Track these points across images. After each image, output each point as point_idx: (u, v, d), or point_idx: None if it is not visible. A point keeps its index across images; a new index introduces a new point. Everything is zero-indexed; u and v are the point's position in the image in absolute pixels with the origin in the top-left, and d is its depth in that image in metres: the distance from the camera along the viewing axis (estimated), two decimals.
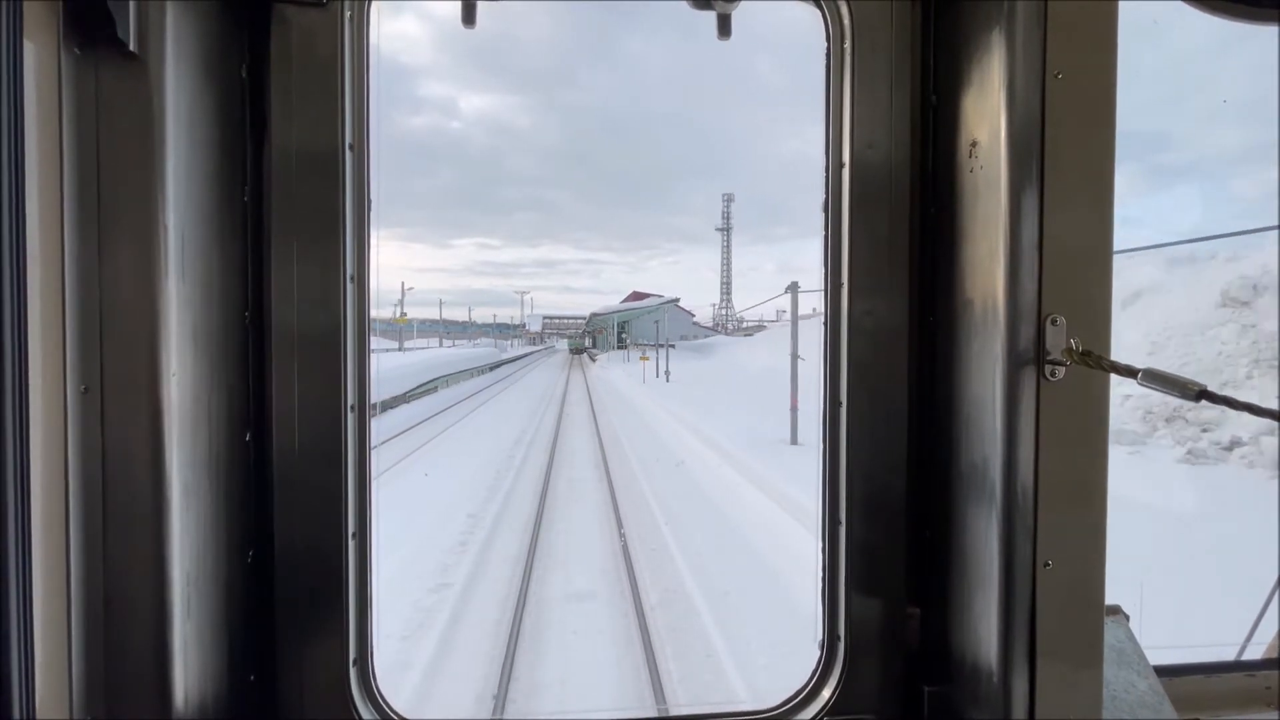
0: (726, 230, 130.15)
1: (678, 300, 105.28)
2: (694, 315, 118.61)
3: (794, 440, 16.85)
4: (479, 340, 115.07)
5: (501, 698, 6.36)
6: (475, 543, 10.46)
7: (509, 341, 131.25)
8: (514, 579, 9.09)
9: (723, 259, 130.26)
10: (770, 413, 18.76)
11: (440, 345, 74.90)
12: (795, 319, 19.60)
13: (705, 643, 7.29)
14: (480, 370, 52.50)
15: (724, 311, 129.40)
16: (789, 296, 19.57)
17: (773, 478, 12.78)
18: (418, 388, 32.70)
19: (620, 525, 11.63)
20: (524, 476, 15.55)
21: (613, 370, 54.41)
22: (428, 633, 7.54)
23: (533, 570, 9.41)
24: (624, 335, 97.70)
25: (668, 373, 40.01)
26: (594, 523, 12.01)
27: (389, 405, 27.07)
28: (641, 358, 43.28)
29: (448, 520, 11.59)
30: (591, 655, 7.14)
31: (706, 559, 9.68)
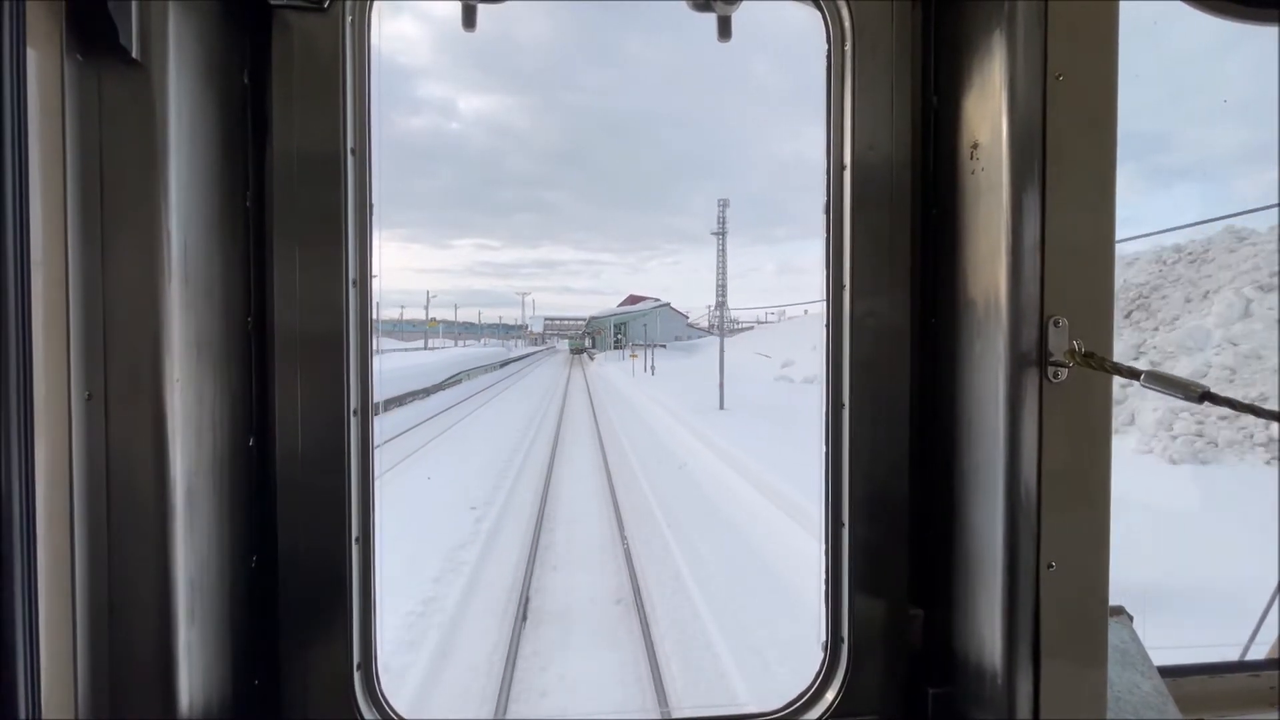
0: (721, 235, 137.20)
1: (668, 304, 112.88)
2: (688, 316, 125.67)
3: (721, 406, 25.12)
4: (487, 341, 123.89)
5: (544, 496, 14.32)
6: (516, 463, 18.31)
7: (513, 342, 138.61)
8: (544, 468, 17.24)
9: (718, 262, 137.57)
10: (715, 391, 26.88)
11: (455, 345, 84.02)
12: (723, 329, 28.36)
13: (630, 465, 17.37)
14: (493, 367, 61.16)
15: (718, 313, 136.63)
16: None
17: (695, 421, 21.71)
18: (449, 379, 40.96)
19: (601, 442, 20.25)
20: (545, 423, 24.40)
21: (608, 367, 62.94)
22: (507, 477, 15.83)
23: (554, 464, 17.61)
24: (619, 336, 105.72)
25: (652, 367, 48.30)
26: (586, 441, 21.98)
27: (432, 391, 35.18)
28: (630, 355, 51.68)
29: (499, 451, 19.64)
30: (581, 486, 15.30)
31: (643, 448, 20.46)
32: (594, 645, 7.46)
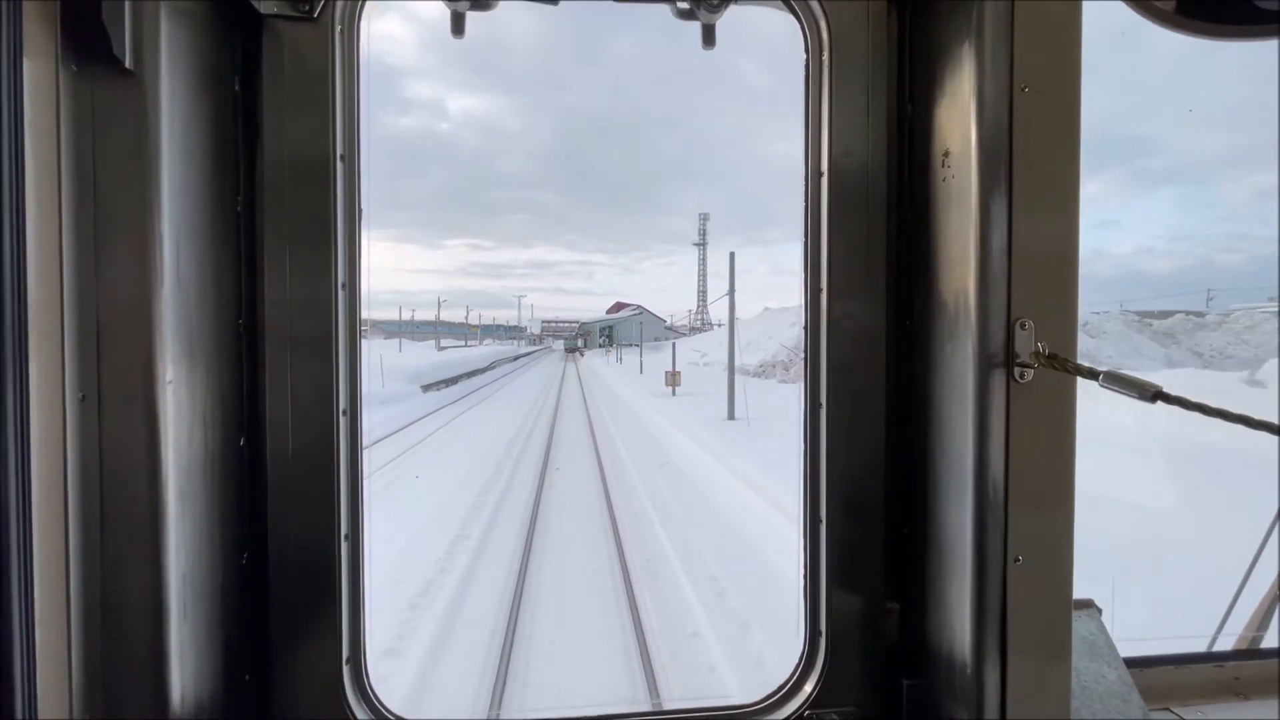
0: (702, 245, 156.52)
1: (643, 311, 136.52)
2: (666, 321, 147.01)
3: (640, 373, 49.33)
4: (498, 341, 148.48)
5: (559, 396, 37.99)
6: (534, 414, 30.81)
7: (515, 342, 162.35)
8: (552, 408, 34.88)
9: (699, 270, 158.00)
10: (649, 369, 50.85)
11: (478, 344, 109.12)
12: (641, 340, 51.96)
13: (592, 390, 45.87)
14: (509, 359, 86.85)
15: (699, 316, 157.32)
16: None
17: (624, 378, 50.01)
18: (490, 365, 65.59)
19: (584, 395, 43.16)
20: (551, 390, 47.49)
21: (593, 361, 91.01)
22: (539, 411, 34.16)
23: (559, 406, 37.15)
24: (603, 339, 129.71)
25: (620, 359, 73.01)
26: (574, 395, 43.07)
27: (482, 371, 59.49)
28: (606, 353, 75.85)
29: (524, 404, 38.82)
30: (574, 400, 39.07)
31: (597, 385, 50.23)
32: (573, 415, 30.28)
